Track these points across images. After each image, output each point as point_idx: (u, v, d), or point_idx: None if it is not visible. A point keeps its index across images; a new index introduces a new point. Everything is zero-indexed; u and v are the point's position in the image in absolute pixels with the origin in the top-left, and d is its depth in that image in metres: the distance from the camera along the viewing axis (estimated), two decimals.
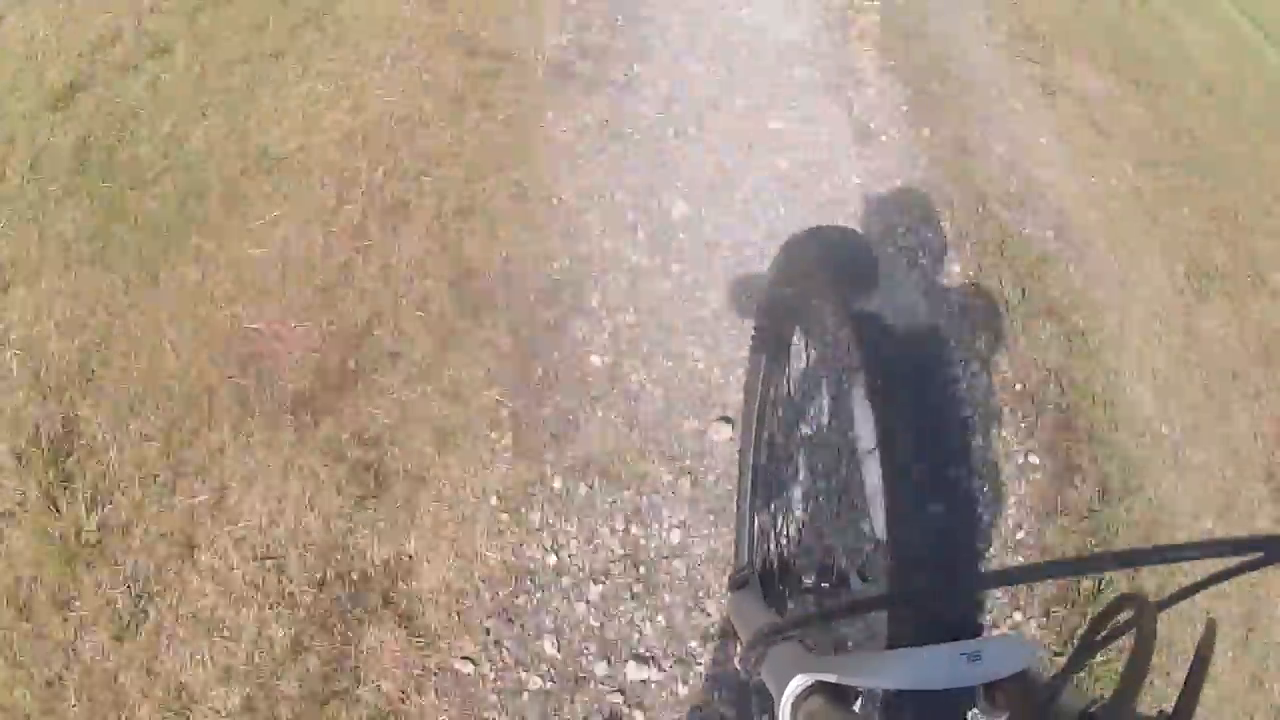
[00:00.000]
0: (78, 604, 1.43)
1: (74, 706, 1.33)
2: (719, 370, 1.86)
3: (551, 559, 1.57)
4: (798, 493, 1.30)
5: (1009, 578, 0.54)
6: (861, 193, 2.35)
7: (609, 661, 1.46)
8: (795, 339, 1.21)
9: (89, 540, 1.49)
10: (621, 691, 1.43)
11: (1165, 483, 1.89)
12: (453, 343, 1.84)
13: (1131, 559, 0.44)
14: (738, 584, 1.13)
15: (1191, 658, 0.43)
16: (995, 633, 1.60)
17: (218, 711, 1.34)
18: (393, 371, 1.77)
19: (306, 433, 1.66)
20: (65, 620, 1.41)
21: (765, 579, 1.07)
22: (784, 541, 1.24)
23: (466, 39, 2.67)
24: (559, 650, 1.47)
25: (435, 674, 1.42)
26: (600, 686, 1.44)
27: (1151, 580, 1.64)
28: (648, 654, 1.48)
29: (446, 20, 2.74)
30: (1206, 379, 2.14)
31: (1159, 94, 3.00)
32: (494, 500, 1.63)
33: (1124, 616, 0.45)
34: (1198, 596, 0.49)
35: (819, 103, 2.62)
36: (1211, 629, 0.44)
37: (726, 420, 1.76)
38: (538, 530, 1.60)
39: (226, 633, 1.42)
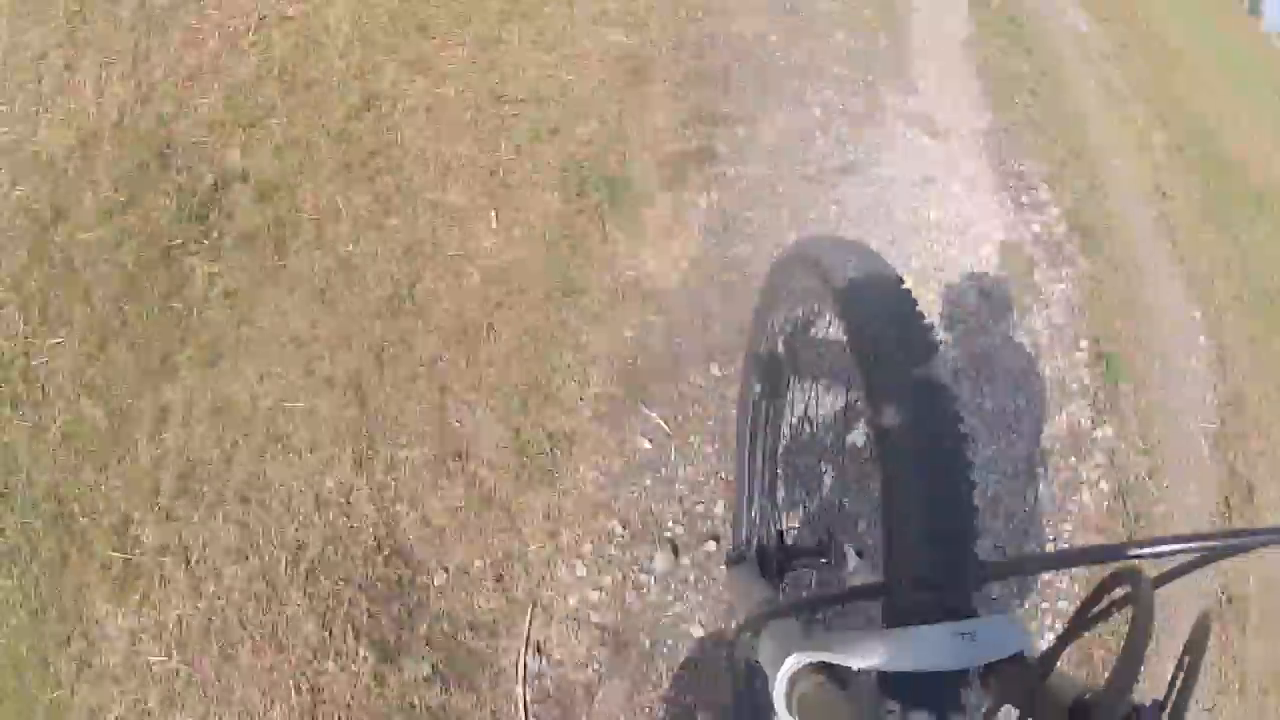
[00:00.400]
0: None
1: None
2: None
3: None
4: (797, 470, 1.30)
5: (1010, 568, 0.54)
6: None
7: None
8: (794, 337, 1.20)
9: None
10: None
11: None
12: None
13: (1135, 548, 0.44)
14: (735, 559, 1.14)
15: (1185, 644, 0.43)
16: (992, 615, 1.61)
17: None
18: None
19: None
20: None
21: (762, 555, 1.08)
22: (782, 518, 1.24)
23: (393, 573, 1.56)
24: None
25: None
26: None
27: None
28: None
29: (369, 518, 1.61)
30: None
31: None
32: None
33: (1119, 593, 0.45)
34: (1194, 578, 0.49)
35: None
36: (1206, 615, 0.43)
37: None
38: None
39: None
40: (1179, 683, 0.40)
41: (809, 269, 0.85)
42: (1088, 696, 0.46)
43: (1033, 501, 1.96)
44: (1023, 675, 0.52)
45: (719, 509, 1.69)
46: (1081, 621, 0.48)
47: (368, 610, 1.53)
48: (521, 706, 1.48)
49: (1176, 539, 0.45)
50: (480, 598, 1.57)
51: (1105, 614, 0.47)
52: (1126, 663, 0.39)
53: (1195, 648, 0.41)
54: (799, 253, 0.94)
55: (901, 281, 0.75)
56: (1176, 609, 1.77)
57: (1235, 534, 0.44)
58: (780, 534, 1.14)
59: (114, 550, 1.58)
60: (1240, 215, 3.59)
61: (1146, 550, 0.45)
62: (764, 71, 2.72)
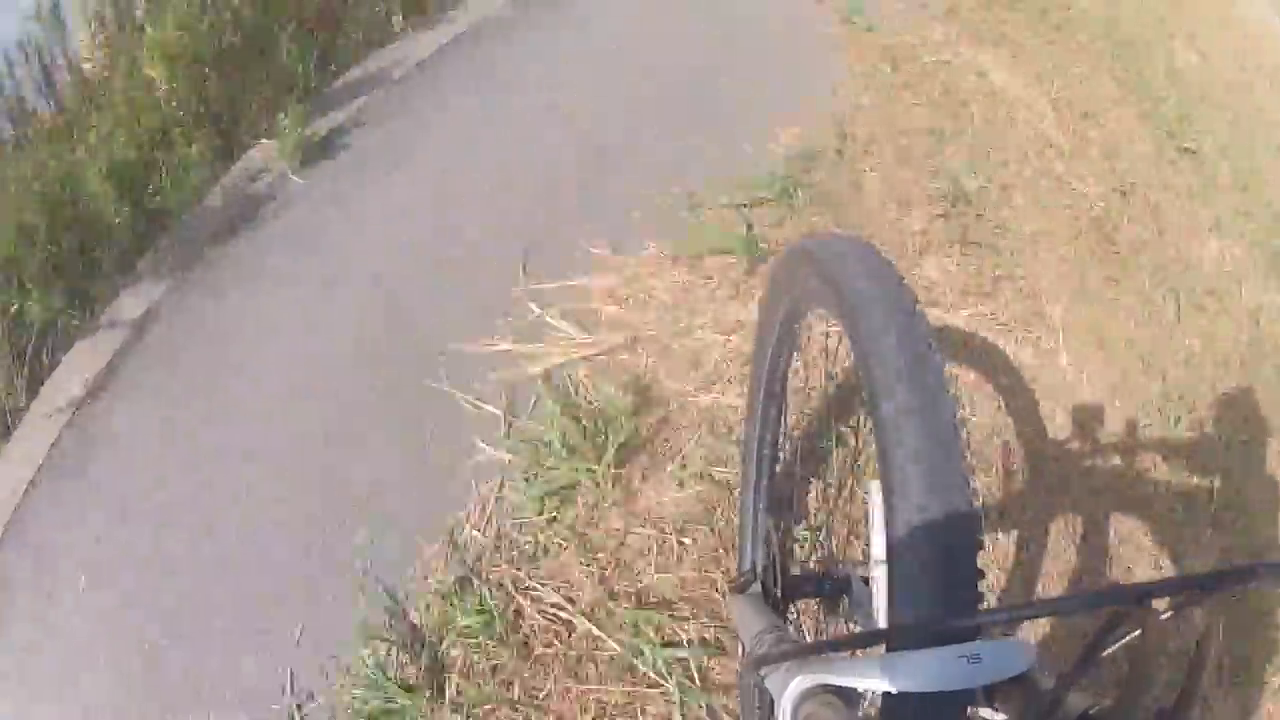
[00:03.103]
0: None
1: None
2: None
3: None
4: (802, 497, 1.29)
5: (1015, 613, 0.54)
6: None
7: None
8: (798, 356, 1.20)
9: None
10: None
11: None
12: None
13: (1147, 592, 0.44)
14: (740, 587, 1.13)
15: (1191, 655, 0.43)
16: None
17: None
18: None
19: None
20: None
21: (766, 582, 1.07)
22: (787, 545, 1.24)
23: None
24: None
25: None
26: None
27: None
28: None
29: None
30: None
31: None
32: None
33: (1130, 624, 0.45)
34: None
35: None
36: (1209, 628, 0.43)
37: None
38: None
39: None
40: (1184, 693, 0.40)
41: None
42: (1094, 711, 0.45)
43: None
44: (1029, 695, 0.52)
45: None
46: (1093, 652, 0.48)
47: None
48: None
49: (1185, 580, 0.45)
50: None
51: (1115, 643, 0.46)
52: (1133, 687, 0.39)
53: (1199, 660, 0.41)
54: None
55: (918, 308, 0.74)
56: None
57: (1244, 569, 0.44)
58: (785, 561, 1.14)
59: None
60: None
61: (1157, 591, 0.45)
62: None
